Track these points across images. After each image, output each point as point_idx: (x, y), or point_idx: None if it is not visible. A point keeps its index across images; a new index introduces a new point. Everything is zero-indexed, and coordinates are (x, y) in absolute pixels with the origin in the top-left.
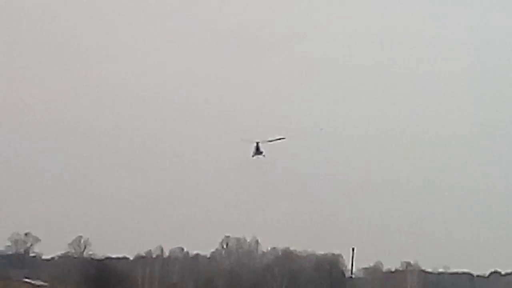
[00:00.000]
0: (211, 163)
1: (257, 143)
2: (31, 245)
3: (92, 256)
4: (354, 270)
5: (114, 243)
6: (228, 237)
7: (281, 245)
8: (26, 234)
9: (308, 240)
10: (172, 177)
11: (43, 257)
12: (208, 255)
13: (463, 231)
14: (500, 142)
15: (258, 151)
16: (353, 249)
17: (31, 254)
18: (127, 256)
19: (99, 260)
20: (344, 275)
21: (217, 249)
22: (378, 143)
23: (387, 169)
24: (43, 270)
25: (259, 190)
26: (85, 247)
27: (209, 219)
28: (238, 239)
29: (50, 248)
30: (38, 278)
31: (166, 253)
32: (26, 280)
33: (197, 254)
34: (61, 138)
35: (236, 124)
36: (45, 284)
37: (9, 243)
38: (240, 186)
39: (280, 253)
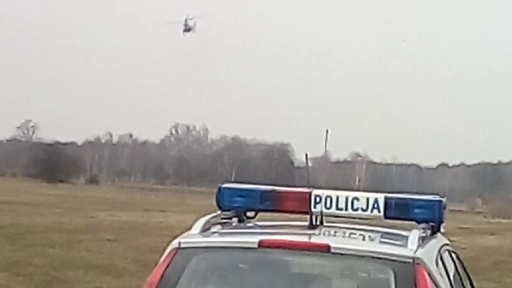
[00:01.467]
0: (150, 48)
1: (185, 19)
2: None
3: (41, 141)
4: (301, 160)
5: (62, 128)
6: (177, 124)
7: (230, 133)
8: None
9: (257, 128)
10: (117, 63)
11: None
12: (157, 142)
13: (412, 122)
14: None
15: (187, 28)
16: (327, 131)
17: None
18: (76, 141)
19: (48, 145)
20: (293, 164)
21: (166, 136)
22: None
23: (337, 57)
24: None
25: (206, 76)
26: (33, 131)
27: (157, 105)
28: (187, 126)
29: None
30: None
31: (115, 139)
32: None
33: (146, 141)
34: (10, 15)
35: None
36: None
37: None
38: (186, 72)
39: (229, 141)
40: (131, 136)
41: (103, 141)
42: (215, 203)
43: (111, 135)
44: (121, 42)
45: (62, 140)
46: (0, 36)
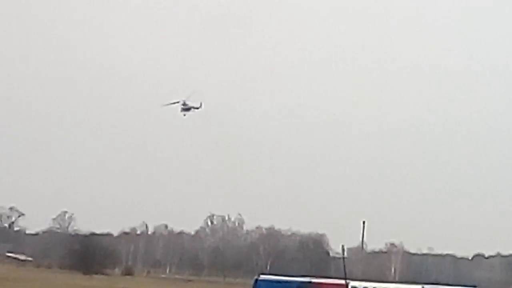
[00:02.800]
0: (184, 138)
1: (183, 101)
2: (15, 219)
3: (77, 232)
4: (337, 250)
5: (98, 219)
6: (212, 215)
7: (265, 224)
8: (10, 209)
9: (292, 218)
10: (152, 154)
11: (27, 231)
12: (193, 233)
13: (448, 213)
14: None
15: (187, 107)
16: (363, 223)
17: (15, 229)
18: (112, 232)
19: (84, 236)
20: (328, 254)
21: (201, 227)
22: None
23: (373, 148)
24: (27, 245)
25: (240, 166)
26: (69, 223)
27: (193, 196)
28: (222, 217)
29: (34, 223)
30: (22, 253)
31: (151, 230)
32: (9, 254)
33: (182, 232)
34: (45, 111)
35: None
36: (29, 258)
37: None
38: (219, 162)
39: (264, 232)
40: (166, 227)
41: (138, 232)
42: None
43: (146, 226)
44: (154, 132)
45: (98, 231)
46: (35, 128)
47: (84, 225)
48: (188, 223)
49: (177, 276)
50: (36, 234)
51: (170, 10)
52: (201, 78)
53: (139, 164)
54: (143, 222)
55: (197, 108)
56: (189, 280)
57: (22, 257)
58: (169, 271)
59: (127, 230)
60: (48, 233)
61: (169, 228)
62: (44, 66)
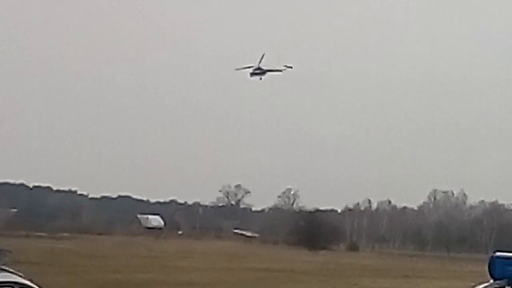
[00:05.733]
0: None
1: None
2: (242, 197)
3: (301, 208)
4: None
5: (322, 196)
6: (435, 190)
7: (489, 199)
8: (236, 186)
9: None
10: (375, 131)
11: (253, 209)
12: (416, 208)
13: None
14: None
15: (261, 71)
16: None
17: (242, 206)
18: (335, 208)
19: (309, 212)
20: None
21: (424, 202)
22: None
23: None
24: (253, 222)
25: (463, 142)
26: (294, 200)
27: (415, 172)
28: (445, 193)
29: (259, 200)
30: (248, 229)
31: (374, 206)
32: (237, 231)
33: (405, 207)
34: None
35: None
36: (256, 235)
37: (220, 195)
38: (444, 139)
39: (488, 207)
40: (389, 202)
41: (362, 208)
42: (487, 272)
43: (370, 202)
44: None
45: (322, 208)
46: (259, 112)
47: (308, 202)
48: (411, 198)
49: (401, 251)
50: (262, 211)
51: None
52: None
53: (360, 140)
54: (367, 198)
55: (280, 71)
56: (414, 255)
57: (249, 234)
58: (393, 246)
59: (350, 206)
60: (274, 210)
61: (392, 204)
62: None
